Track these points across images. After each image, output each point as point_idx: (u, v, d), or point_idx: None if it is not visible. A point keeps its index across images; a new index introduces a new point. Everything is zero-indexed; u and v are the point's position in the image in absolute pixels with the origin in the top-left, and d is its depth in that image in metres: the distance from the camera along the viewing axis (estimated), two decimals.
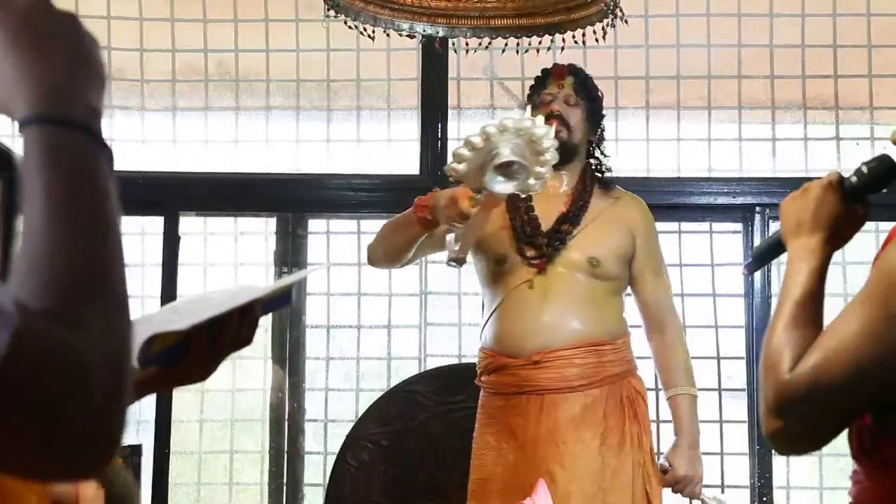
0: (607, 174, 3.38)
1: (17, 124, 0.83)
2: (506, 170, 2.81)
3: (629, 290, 3.37)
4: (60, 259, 0.77)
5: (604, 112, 3.43)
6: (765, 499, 3.98)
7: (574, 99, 3.34)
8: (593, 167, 3.37)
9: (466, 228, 2.95)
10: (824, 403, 1.46)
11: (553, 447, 3.14)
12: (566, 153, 3.23)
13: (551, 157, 2.90)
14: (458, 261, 2.97)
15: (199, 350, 1.32)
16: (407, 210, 3.14)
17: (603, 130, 3.41)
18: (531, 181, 2.89)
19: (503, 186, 2.84)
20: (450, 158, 2.92)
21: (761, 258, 1.84)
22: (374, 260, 3.31)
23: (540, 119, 2.90)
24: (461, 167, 2.86)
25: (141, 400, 1.42)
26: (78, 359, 0.74)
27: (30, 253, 0.77)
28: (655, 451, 3.34)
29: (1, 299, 0.73)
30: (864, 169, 1.62)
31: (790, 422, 1.48)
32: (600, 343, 3.22)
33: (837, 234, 1.63)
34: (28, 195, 0.80)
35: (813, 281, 1.58)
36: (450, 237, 2.99)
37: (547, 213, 3.28)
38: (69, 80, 0.84)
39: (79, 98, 0.84)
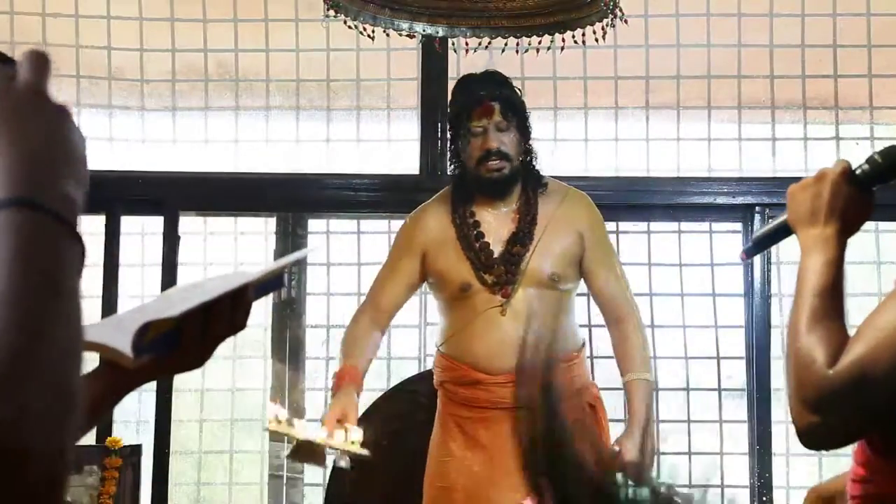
0: (540, 171, 3.39)
1: None
2: None
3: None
4: (8, 339, 0.74)
5: (527, 113, 3.38)
6: (764, 499, 3.98)
7: (504, 123, 3.29)
8: (531, 175, 3.36)
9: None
10: (869, 397, 1.44)
11: (511, 458, 3.16)
12: (508, 183, 3.30)
13: None
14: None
15: (192, 337, 1.32)
16: (344, 357, 3.33)
17: (530, 129, 3.38)
18: None
19: None
20: None
21: (761, 244, 1.79)
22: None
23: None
24: None
25: (139, 389, 1.42)
26: (14, 442, 0.71)
27: None
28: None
29: None
30: (878, 157, 1.59)
31: (829, 417, 1.46)
32: (569, 359, 3.27)
33: (850, 223, 1.59)
34: None
35: (832, 272, 1.54)
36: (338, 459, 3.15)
37: (497, 237, 3.31)
38: (49, 169, 0.83)
39: (55, 187, 0.82)
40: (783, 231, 1.68)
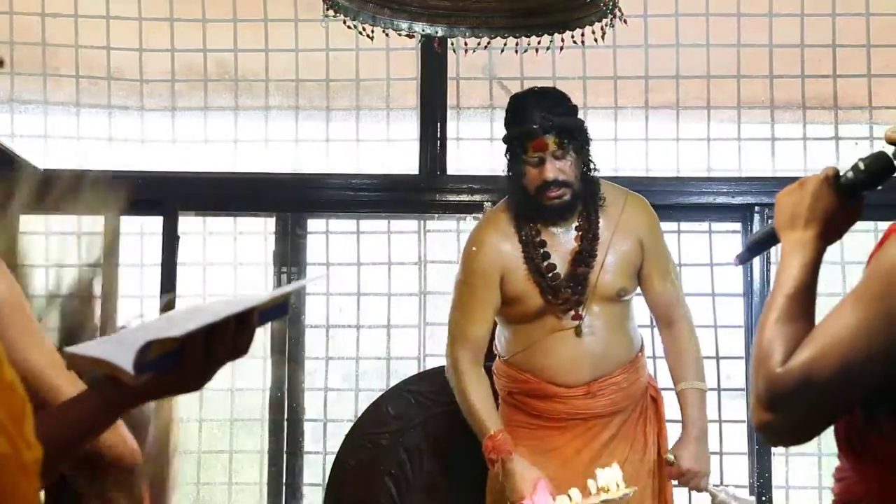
0: (596, 173, 3.34)
1: None
2: None
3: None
4: None
5: (585, 130, 3.30)
6: (764, 498, 3.98)
7: (565, 150, 3.22)
8: (590, 190, 3.31)
9: None
10: (816, 397, 1.47)
11: (590, 463, 3.22)
12: (571, 207, 3.26)
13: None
14: None
15: (193, 357, 1.31)
16: (476, 413, 3.26)
17: (589, 141, 3.31)
18: None
19: None
20: None
21: (753, 249, 1.83)
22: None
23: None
24: None
25: (139, 406, 1.41)
26: None
27: None
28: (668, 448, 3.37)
29: None
30: (861, 165, 1.62)
31: (781, 415, 1.48)
32: (636, 360, 3.35)
33: (832, 228, 1.63)
34: None
35: (805, 274, 1.58)
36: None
37: (563, 258, 3.29)
38: None
39: None
40: (772, 237, 1.70)
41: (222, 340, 1.33)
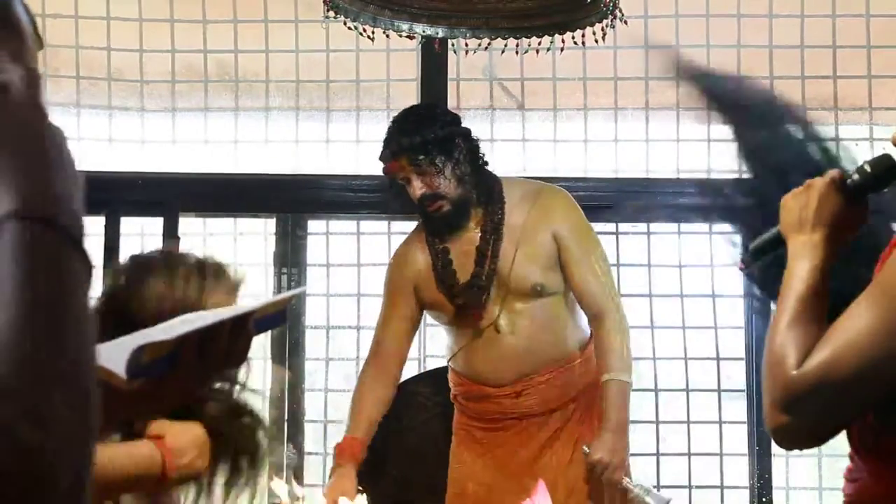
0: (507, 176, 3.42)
1: None
2: None
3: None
4: (22, 354, 0.75)
5: (457, 130, 3.33)
6: (764, 499, 3.98)
7: (422, 167, 3.27)
8: (483, 190, 3.33)
9: None
10: (833, 399, 1.47)
11: (530, 464, 3.24)
12: (458, 213, 3.29)
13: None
14: None
15: (187, 362, 1.29)
16: (348, 427, 3.39)
17: (471, 147, 3.33)
18: None
19: None
20: None
21: (759, 253, 1.81)
22: None
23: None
24: None
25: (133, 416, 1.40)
26: (38, 457, 0.71)
27: None
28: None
29: None
30: (867, 167, 1.62)
31: (796, 417, 1.48)
32: (572, 359, 3.30)
33: (839, 232, 1.62)
34: None
35: (815, 278, 1.57)
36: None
37: (466, 263, 3.33)
38: (57, 186, 0.83)
39: (64, 205, 0.82)
40: (778, 240, 1.70)
41: (216, 345, 1.31)
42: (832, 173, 1.65)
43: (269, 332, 4.22)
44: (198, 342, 1.30)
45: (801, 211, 1.63)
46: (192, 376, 1.32)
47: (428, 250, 3.40)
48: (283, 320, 1.44)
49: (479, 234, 3.32)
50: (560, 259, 3.30)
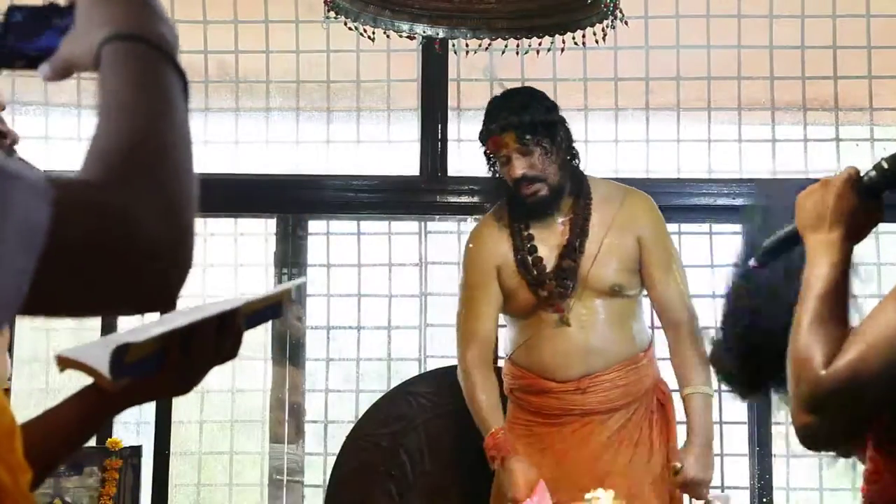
0: (593, 175, 3.38)
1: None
2: None
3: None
4: (117, 137, 0.86)
5: (559, 117, 3.32)
6: (765, 500, 3.97)
7: (528, 146, 3.23)
8: (577, 183, 3.32)
9: None
10: (862, 398, 1.46)
11: (590, 463, 3.22)
12: (552, 200, 3.27)
13: None
14: None
15: (173, 361, 1.28)
16: (480, 411, 3.28)
17: (569, 137, 3.33)
18: None
19: None
20: None
21: (774, 252, 1.78)
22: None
23: None
24: None
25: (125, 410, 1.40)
26: (121, 214, 0.82)
27: (93, 140, 0.87)
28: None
29: (34, 177, 0.81)
30: (884, 164, 1.60)
31: (824, 417, 1.47)
32: (636, 360, 3.32)
33: (855, 229, 1.61)
34: (100, 97, 0.89)
35: (835, 275, 1.56)
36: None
37: (551, 252, 3.30)
38: (149, 13, 0.94)
39: (157, 28, 0.93)
40: (793, 239, 1.68)
41: (203, 343, 1.30)
42: (848, 170, 1.63)
43: (270, 333, 4.23)
44: (184, 340, 1.29)
45: (817, 209, 1.62)
46: (181, 374, 1.31)
47: (511, 235, 3.34)
48: (279, 313, 1.42)
49: (567, 227, 3.30)
50: (642, 263, 3.31)
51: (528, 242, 3.31)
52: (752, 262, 1.81)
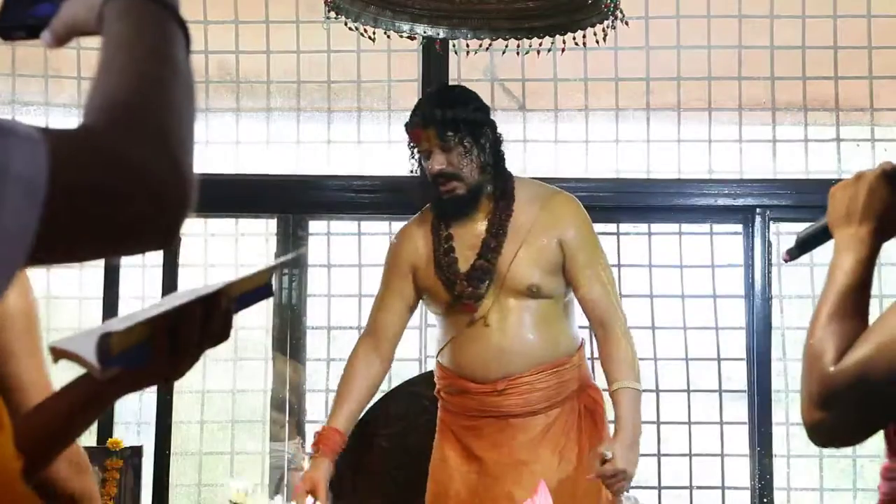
0: (521, 176, 3.37)
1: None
2: None
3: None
4: (117, 84, 0.89)
5: (487, 119, 3.30)
6: (765, 500, 3.98)
7: (449, 143, 3.21)
8: (499, 184, 3.29)
9: None
10: (870, 397, 1.45)
11: (513, 469, 3.19)
12: (470, 200, 3.25)
13: None
14: None
15: (160, 346, 1.26)
16: (337, 394, 3.32)
17: (496, 139, 3.30)
18: None
19: None
20: None
21: (805, 245, 1.75)
22: None
23: None
24: None
25: (126, 398, 1.40)
26: (118, 157, 0.85)
27: (94, 87, 0.90)
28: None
29: (26, 130, 0.83)
30: None
31: (833, 414, 1.47)
32: (559, 364, 3.25)
33: (887, 225, 1.59)
34: (102, 51, 0.92)
35: (859, 272, 1.55)
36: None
37: (468, 253, 3.28)
38: None
39: None
40: (824, 232, 1.67)
41: (189, 327, 1.27)
42: (883, 165, 1.61)
43: (270, 333, 4.23)
44: (168, 326, 1.28)
45: (849, 203, 1.60)
46: (170, 360, 1.30)
47: (431, 234, 3.34)
48: (268, 294, 1.41)
49: (486, 227, 3.27)
50: (565, 266, 3.26)
51: (447, 242, 3.30)
52: (783, 255, 1.79)
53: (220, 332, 1.30)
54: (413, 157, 3.36)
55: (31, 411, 1.39)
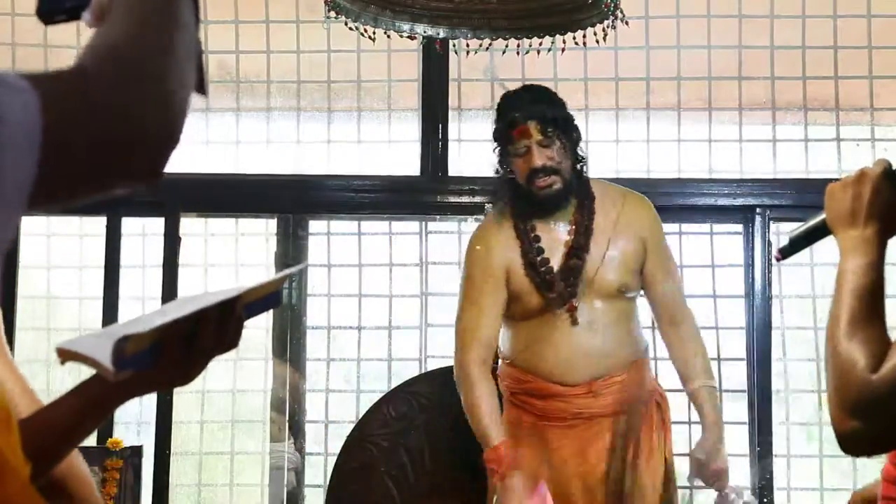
0: (598, 176, 3.40)
1: None
2: None
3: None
4: (115, 33, 0.92)
5: (572, 118, 3.34)
6: (766, 500, 3.97)
7: (550, 139, 3.25)
8: (583, 184, 3.33)
9: None
10: None
11: (594, 467, 3.22)
12: (563, 196, 3.28)
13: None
14: None
15: (173, 352, 1.28)
16: (481, 422, 3.22)
17: (580, 137, 3.36)
18: None
19: None
20: None
21: (798, 244, 1.73)
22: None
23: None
24: None
25: (128, 402, 1.40)
26: (105, 100, 0.88)
27: (94, 36, 0.93)
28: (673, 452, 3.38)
29: (15, 80, 0.86)
30: None
31: (871, 423, 1.44)
32: (640, 362, 3.32)
33: (890, 224, 1.56)
34: (114, 3, 0.96)
35: (872, 274, 1.51)
36: None
37: (557, 252, 3.30)
38: None
39: None
40: (821, 231, 1.64)
41: (203, 333, 1.29)
42: (882, 162, 1.58)
43: (270, 333, 4.23)
44: (184, 331, 1.28)
45: (853, 203, 1.56)
46: (179, 365, 1.30)
47: (517, 235, 3.32)
48: (278, 303, 1.42)
49: (573, 227, 3.30)
50: (645, 264, 3.33)
51: (535, 244, 3.30)
52: (775, 253, 1.76)
53: (231, 339, 1.31)
54: (499, 162, 3.35)
55: (34, 415, 1.38)
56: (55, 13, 1.09)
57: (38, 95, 0.85)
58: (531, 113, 3.24)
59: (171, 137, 0.94)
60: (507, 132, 3.28)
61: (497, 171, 3.37)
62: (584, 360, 3.24)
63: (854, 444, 1.47)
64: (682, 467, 4.13)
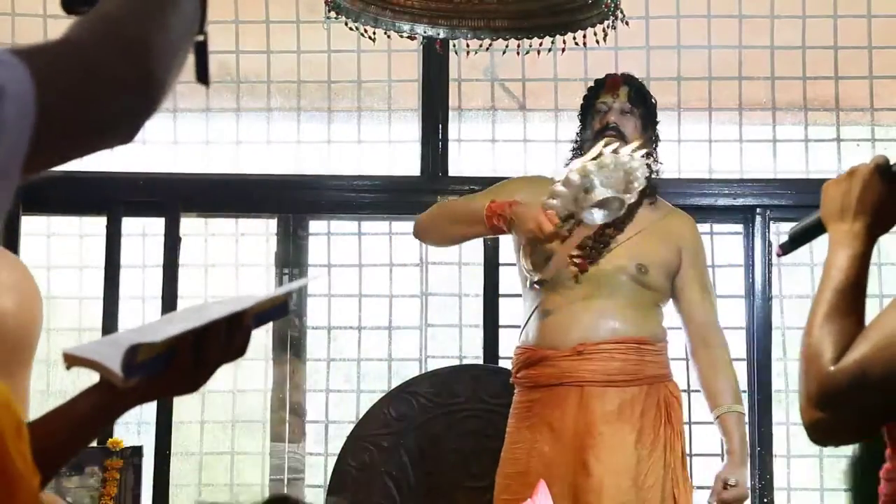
0: (654, 177, 3.42)
1: None
2: (601, 202, 3.02)
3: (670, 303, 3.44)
4: (107, 4, 0.98)
5: (658, 119, 3.50)
6: (766, 500, 3.97)
7: (629, 107, 3.38)
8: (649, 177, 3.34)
9: (549, 252, 3.18)
10: (869, 397, 1.45)
11: (589, 439, 3.20)
12: None
13: (640, 184, 3.05)
14: (543, 282, 3.23)
15: (183, 361, 1.30)
16: (471, 203, 3.32)
17: (657, 137, 3.48)
18: (621, 210, 3.06)
19: (596, 216, 3.06)
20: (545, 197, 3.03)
21: (798, 239, 1.75)
22: (422, 236, 3.53)
23: (637, 154, 3.06)
24: (556, 202, 3.00)
25: (134, 408, 1.40)
26: (94, 65, 0.92)
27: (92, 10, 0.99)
28: (688, 454, 3.41)
29: (4, 53, 0.89)
30: None
31: (832, 414, 1.46)
32: (642, 342, 3.30)
33: (881, 220, 1.58)
34: None
35: (855, 268, 1.54)
36: (525, 263, 3.21)
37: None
38: None
39: None
40: (818, 227, 1.66)
41: (213, 343, 1.31)
42: (876, 159, 1.60)
43: (271, 333, 4.23)
44: (194, 340, 1.29)
45: (843, 198, 1.58)
46: (187, 374, 1.32)
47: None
48: (284, 313, 1.44)
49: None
50: (679, 275, 3.38)
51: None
52: (777, 249, 1.78)
53: (239, 349, 1.32)
54: (582, 122, 3.48)
55: (38, 421, 1.38)
56: (78, 2, 1.12)
57: (28, 69, 0.88)
58: (628, 80, 3.44)
59: (150, 105, 0.98)
60: (600, 83, 3.44)
61: (575, 140, 3.47)
62: (575, 324, 3.26)
63: (820, 434, 1.51)
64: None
